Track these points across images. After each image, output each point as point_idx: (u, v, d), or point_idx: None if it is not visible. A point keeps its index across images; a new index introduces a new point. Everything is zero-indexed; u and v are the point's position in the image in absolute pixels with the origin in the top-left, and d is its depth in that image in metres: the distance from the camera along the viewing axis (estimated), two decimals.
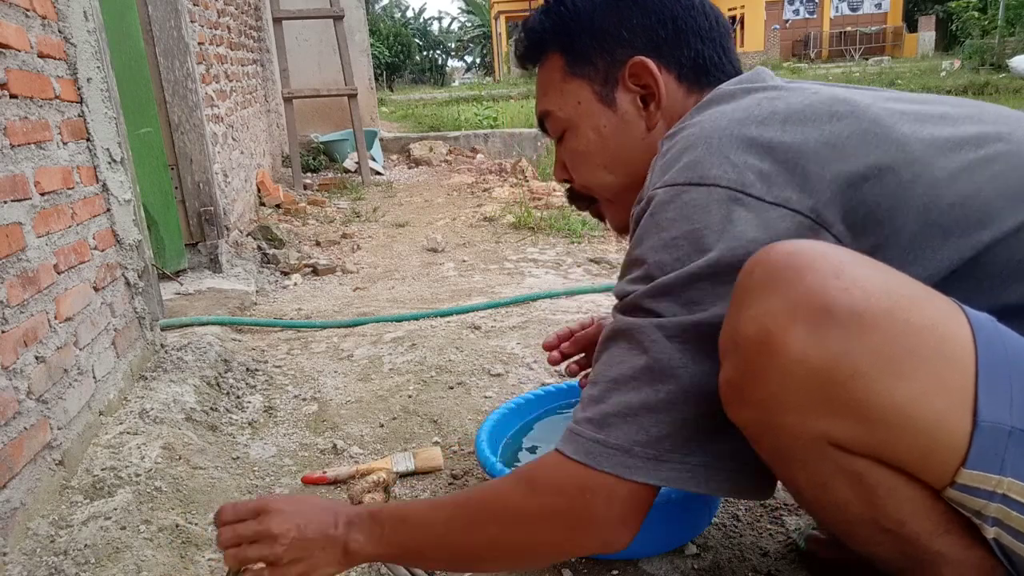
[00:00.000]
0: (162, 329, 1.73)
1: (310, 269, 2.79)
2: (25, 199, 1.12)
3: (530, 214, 3.48)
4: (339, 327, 2.03)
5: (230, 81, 3.35)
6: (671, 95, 0.79)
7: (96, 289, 1.37)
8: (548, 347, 1.12)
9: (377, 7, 33.69)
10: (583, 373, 1.13)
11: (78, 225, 1.32)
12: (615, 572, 0.93)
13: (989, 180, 0.63)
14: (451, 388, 1.56)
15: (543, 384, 1.53)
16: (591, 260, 2.80)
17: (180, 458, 1.21)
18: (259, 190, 3.79)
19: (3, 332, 1.01)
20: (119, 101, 1.57)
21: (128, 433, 1.27)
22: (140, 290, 1.58)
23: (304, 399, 1.56)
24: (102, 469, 1.14)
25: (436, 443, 1.32)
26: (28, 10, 1.22)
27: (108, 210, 1.49)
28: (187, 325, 1.88)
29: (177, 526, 1.03)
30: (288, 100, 4.73)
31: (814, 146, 0.64)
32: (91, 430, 1.25)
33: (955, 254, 0.62)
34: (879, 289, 0.55)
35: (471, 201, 4.18)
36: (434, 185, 4.86)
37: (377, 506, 0.76)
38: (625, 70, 0.79)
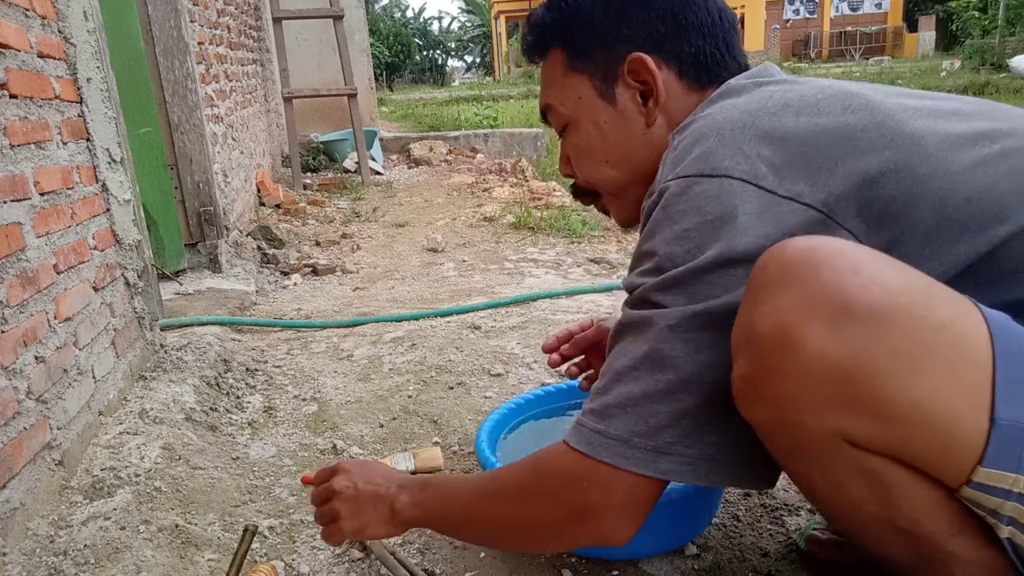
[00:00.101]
0: (162, 329, 1.73)
1: (310, 269, 2.78)
2: (25, 199, 1.12)
3: (530, 214, 3.48)
4: (339, 327, 2.03)
5: (230, 81, 3.35)
6: (671, 92, 0.79)
7: (96, 289, 1.37)
8: (548, 349, 1.12)
9: (377, 7, 33.69)
10: (583, 375, 1.13)
11: (78, 225, 1.32)
12: (615, 572, 0.93)
13: (1004, 175, 0.63)
14: (451, 388, 1.55)
15: (543, 384, 1.53)
16: (591, 260, 2.80)
17: (180, 458, 1.21)
18: (259, 190, 3.79)
19: (3, 332, 1.01)
20: (119, 101, 1.57)
21: (128, 433, 1.26)
22: (140, 290, 1.58)
23: (304, 399, 1.56)
24: (102, 469, 1.14)
25: (436, 443, 1.32)
26: (28, 10, 1.22)
27: (108, 210, 1.49)
28: (187, 325, 1.88)
29: (177, 526, 1.03)
30: (288, 100, 4.73)
31: (827, 139, 0.63)
32: (91, 430, 1.25)
33: (971, 249, 0.62)
34: (898, 286, 0.54)
35: (471, 201, 4.18)
36: (434, 185, 4.86)
37: (431, 476, 0.80)
38: (624, 66, 0.79)
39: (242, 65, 3.79)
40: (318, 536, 1.05)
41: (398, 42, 29.46)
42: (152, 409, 1.34)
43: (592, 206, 0.93)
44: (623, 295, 0.72)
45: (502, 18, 25.69)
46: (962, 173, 0.63)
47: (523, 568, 0.95)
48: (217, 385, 1.55)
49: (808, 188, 0.62)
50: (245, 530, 0.96)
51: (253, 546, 1.00)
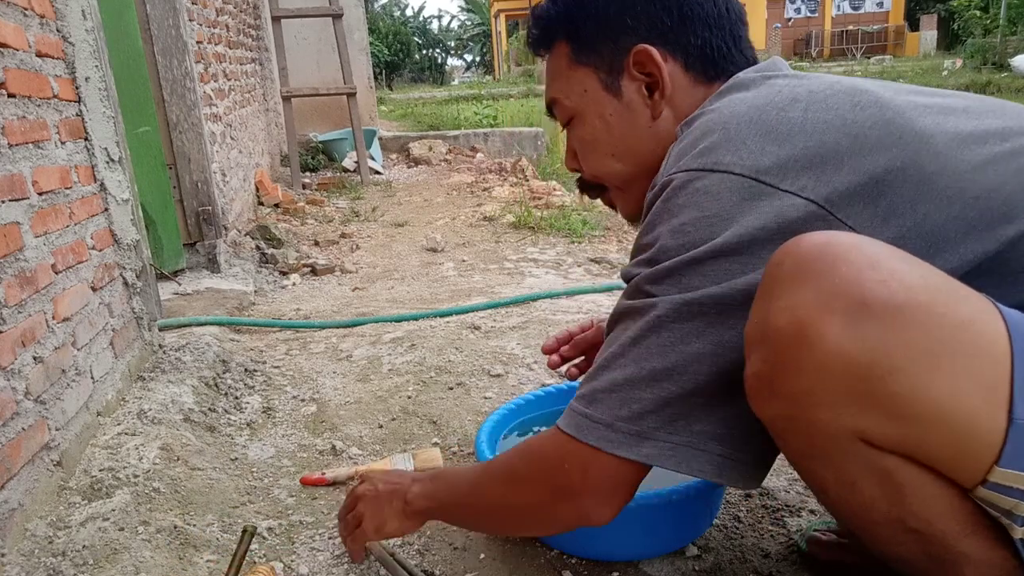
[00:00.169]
0: (160, 329, 1.73)
1: (309, 269, 2.78)
2: (23, 199, 1.11)
3: (530, 213, 3.47)
4: (338, 327, 2.02)
5: (228, 80, 3.34)
6: (677, 84, 0.78)
7: (94, 289, 1.37)
8: (547, 350, 1.12)
9: (376, 5, 33.67)
10: (584, 376, 1.13)
11: (76, 225, 1.32)
12: (615, 574, 0.93)
13: (1015, 174, 0.62)
14: (451, 389, 1.55)
15: (543, 385, 1.53)
16: (591, 260, 2.80)
17: (178, 459, 1.20)
18: (257, 189, 3.79)
19: (1, 332, 1.00)
20: (117, 100, 1.56)
21: (126, 434, 1.26)
22: (138, 290, 1.58)
23: (303, 400, 1.55)
24: (100, 470, 1.13)
25: (435, 444, 1.32)
26: (26, 9, 1.22)
27: (106, 210, 1.48)
28: (185, 325, 1.88)
29: (175, 527, 1.02)
30: (287, 99, 4.73)
31: (835, 136, 0.63)
32: (89, 431, 1.24)
33: (979, 248, 0.61)
34: (917, 282, 0.54)
35: (471, 200, 4.17)
36: (433, 184, 4.86)
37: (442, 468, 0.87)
38: (629, 58, 0.78)
39: (241, 64, 3.78)
40: (317, 537, 1.05)
41: (397, 41, 29.45)
42: (150, 410, 1.34)
43: (598, 200, 0.92)
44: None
45: (502, 17, 25.68)
46: (971, 171, 0.62)
47: (523, 569, 0.95)
48: (216, 386, 1.54)
49: (811, 183, 0.62)
50: (244, 531, 0.95)
51: (252, 547, 1.00)
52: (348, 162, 5.31)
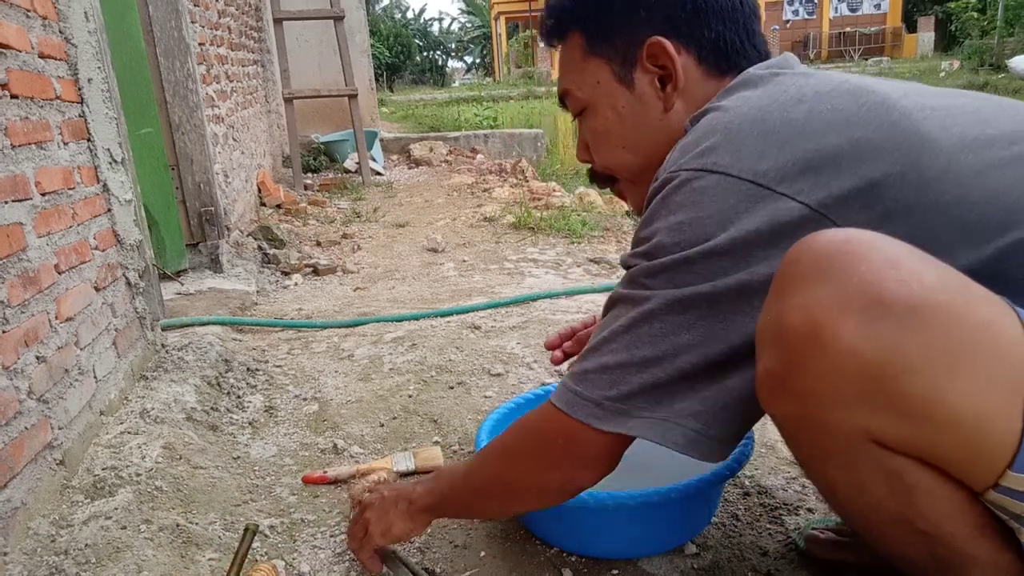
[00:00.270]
0: (163, 329, 1.73)
1: (311, 269, 2.79)
2: (26, 199, 1.12)
3: (530, 214, 3.48)
4: (339, 327, 2.03)
5: (231, 81, 3.35)
6: (690, 77, 0.78)
7: (97, 289, 1.38)
8: (550, 346, 1.12)
9: (377, 8, 33.70)
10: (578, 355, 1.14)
11: (79, 225, 1.32)
12: (615, 572, 0.93)
13: (1021, 179, 0.62)
14: (451, 388, 1.56)
15: (543, 384, 1.53)
16: (591, 260, 2.80)
17: (181, 458, 1.21)
18: (260, 190, 3.79)
19: (4, 332, 1.01)
20: (120, 101, 1.57)
21: (129, 433, 1.27)
22: (141, 290, 1.58)
23: (305, 399, 1.56)
24: (103, 469, 1.14)
25: (436, 443, 1.33)
26: (29, 11, 1.22)
27: (109, 210, 1.49)
28: (188, 325, 1.88)
29: (178, 526, 1.03)
30: (288, 100, 4.74)
31: (836, 139, 0.63)
32: (92, 430, 1.25)
33: (974, 254, 0.61)
34: (936, 283, 0.53)
35: (471, 201, 4.18)
36: (434, 185, 4.87)
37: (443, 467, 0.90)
38: (643, 50, 0.78)
39: (243, 66, 3.79)
40: (319, 535, 1.05)
41: (398, 43, 29.47)
42: (153, 409, 1.35)
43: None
44: None
45: (502, 19, 25.70)
46: (974, 176, 0.62)
47: (523, 566, 0.95)
48: (218, 385, 1.55)
49: (808, 187, 0.62)
50: (246, 529, 0.96)
51: (254, 545, 1.00)
52: (349, 163, 5.32)
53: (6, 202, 1.06)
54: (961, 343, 0.52)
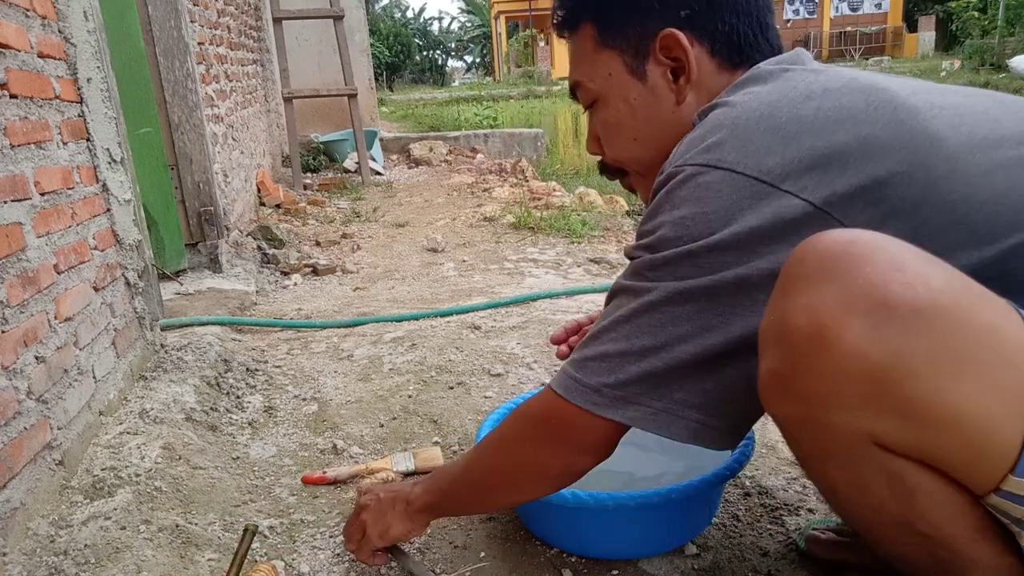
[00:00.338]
0: (162, 329, 1.73)
1: (310, 269, 2.79)
2: (25, 199, 1.12)
3: (530, 214, 3.48)
4: (339, 327, 2.03)
5: (230, 81, 3.35)
6: (703, 70, 0.77)
7: (96, 289, 1.37)
8: (556, 340, 1.12)
9: (377, 7, 33.69)
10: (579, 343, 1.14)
11: (78, 225, 1.32)
12: (615, 572, 0.93)
13: None
14: (451, 388, 1.56)
15: (543, 384, 1.53)
16: (591, 260, 2.80)
17: (180, 458, 1.21)
18: (259, 190, 3.79)
19: (3, 332, 1.01)
20: (119, 101, 1.57)
21: (128, 433, 1.27)
22: (140, 290, 1.58)
23: (304, 399, 1.56)
24: (102, 469, 1.14)
25: (436, 443, 1.32)
26: (28, 10, 1.22)
27: (108, 210, 1.49)
28: (187, 325, 1.88)
29: (177, 526, 1.03)
30: (288, 100, 4.73)
31: (843, 137, 0.62)
32: (91, 430, 1.25)
33: (977, 254, 0.60)
34: (942, 286, 0.53)
35: (471, 201, 4.18)
36: (434, 185, 4.86)
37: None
38: (656, 42, 0.77)
39: (242, 65, 3.79)
40: (318, 535, 1.05)
41: (398, 42, 29.48)
42: (152, 409, 1.34)
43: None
44: None
45: (502, 18, 25.68)
46: (981, 176, 0.61)
47: (523, 567, 0.95)
48: (217, 385, 1.55)
49: (813, 184, 0.62)
50: (245, 530, 0.96)
51: (253, 546, 1.00)
52: (349, 163, 5.32)
53: (5, 202, 1.05)
54: (965, 346, 0.52)
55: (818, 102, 0.65)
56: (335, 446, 1.33)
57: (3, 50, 1.11)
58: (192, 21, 2.62)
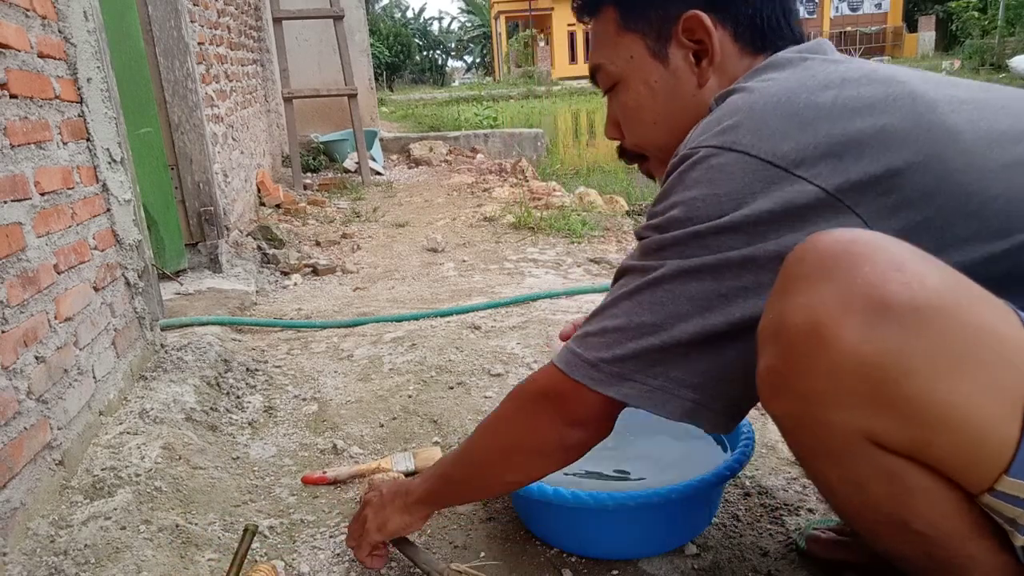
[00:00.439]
0: (162, 329, 1.73)
1: (310, 269, 2.79)
2: (25, 199, 1.12)
3: (530, 214, 3.48)
4: (339, 327, 2.03)
5: (230, 81, 3.35)
6: (725, 53, 0.77)
7: (96, 289, 1.37)
8: (565, 337, 1.12)
9: (377, 7, 33.70)
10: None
11: (78, 225, 1.32)
12: (615, 572, 0.93)
13: None
14: (451, 388, 1.56)
15: None
16: (591, 260, 2.80)
17: (180, 458, 1.21)
18: (259, 190, 3.79)
19: (3, 332, 1.01)
20: (119, 101, 1.57)
21: (128, 433, 1.27)
22: (140, 290, 1.58)
23: (304, 399, 1.56)
24: (102, 469, 1.14)
25: (436, 443, 1.32)
26: (28, 10, 1.22)
27: (108, 210, 1.49)
28: (187, 325, 1.88)
29: (177, 526, 1.03)
30: (288, 100, 4.73)
31: (860, 125, 0.62)
32: (91, 430, 1.25)
33: (986, 248, 0.60)
34: (940, 286, 0.53)
35: (471, 201, 4.18)
36: (434, 185, 4.86)
37: None
38: (679, 24, 0.77)
39: (242, 65, 3.79)
40: (318, 535, 1.05)
41: (398, 42, 29.49)
42: (152, 409, 1.34)
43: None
44: None
45: (502, 18, 25.69)
46: (997, 171, 0.61)
47: (523, 567, 0.95)
48: (217, 385, 1.55)
49: (827, 171, 0.61)
50: (245, 530, 0.96)
51: (253, 546, 1.00)
52: (349, 163, 5.32)
53: (5, 202, 1.05)
54: (963, 346, 0.52)
55: (837, 91, 0.65)
56: (335, 446, 1.33)
57: (3, 50, 1.11)
58: (192, 21, 2.62)
